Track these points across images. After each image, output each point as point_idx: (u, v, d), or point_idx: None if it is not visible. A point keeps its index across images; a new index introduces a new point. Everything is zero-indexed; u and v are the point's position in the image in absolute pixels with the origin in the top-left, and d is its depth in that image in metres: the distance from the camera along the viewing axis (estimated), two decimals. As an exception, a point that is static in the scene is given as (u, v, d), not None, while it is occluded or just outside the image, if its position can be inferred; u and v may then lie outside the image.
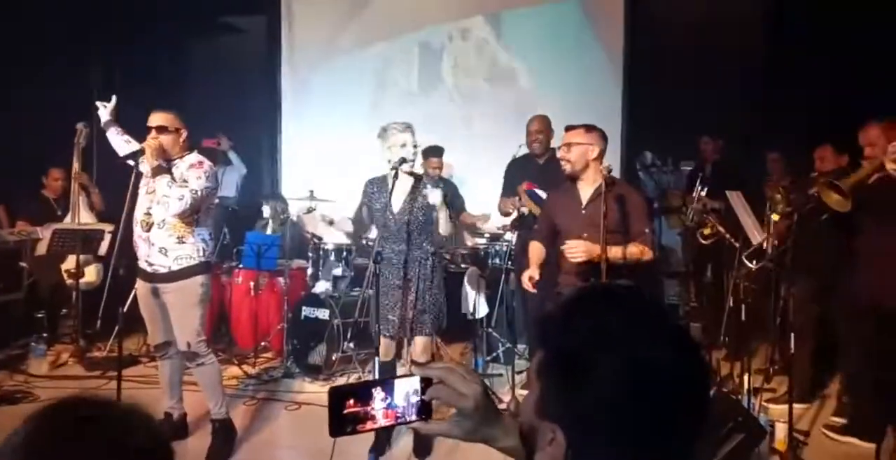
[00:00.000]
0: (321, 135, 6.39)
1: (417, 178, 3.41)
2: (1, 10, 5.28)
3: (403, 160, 3.29)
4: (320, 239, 5.20)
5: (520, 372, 4.60)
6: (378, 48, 6.31)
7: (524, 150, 4.77)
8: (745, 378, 3.62)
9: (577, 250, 2.95)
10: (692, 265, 5.57)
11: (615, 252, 2.98)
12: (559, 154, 3.28)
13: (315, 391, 4.38)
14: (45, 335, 4.92)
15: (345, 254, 5.12)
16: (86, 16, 5.89)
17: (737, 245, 3.91)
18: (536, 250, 3.37)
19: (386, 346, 3.44)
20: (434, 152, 5.20)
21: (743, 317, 3.88)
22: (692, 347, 0.81)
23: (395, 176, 3.27)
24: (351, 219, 3.59)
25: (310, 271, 5.17)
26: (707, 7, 5.51)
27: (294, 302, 4.89)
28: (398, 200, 3.38)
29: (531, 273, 3.22)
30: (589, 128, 3.20)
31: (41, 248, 4.65)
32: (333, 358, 4.54)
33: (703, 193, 4.66)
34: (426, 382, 1.09)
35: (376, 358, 3.48)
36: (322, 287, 4.99)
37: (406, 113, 6.09)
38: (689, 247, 5.39)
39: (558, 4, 5.90)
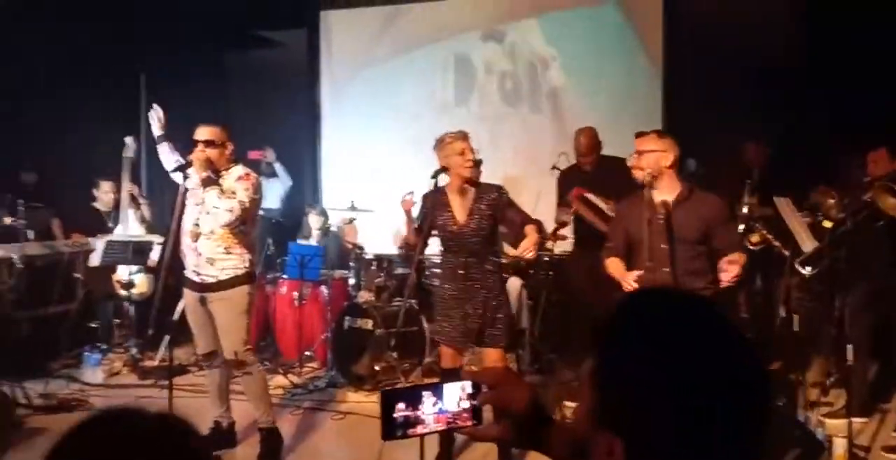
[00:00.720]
0: (360, 146, 6.48)
1: (480, 188, 3.32)
2: (50, 28, 5.50)
3: (442, 169, 3.27)
4: (362, 249, 5.26)
5: (563, 384, 4.54)
6: (414, 57, 6.36)
7: (564, 160, 4.74)
8: (801, 391, 3.50)
9: (735, 270, 2.77)
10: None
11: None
12: (630, 162, 3.13)
13: (360, 400, 4.40)
14: (98, 344, 5.07)
15: (386, 263, 5.16)
16: (131, 31, 6.11)
17: (786, 253, 3.80)
18: (618, 264, 3.11)
19: (450, 357, 3.34)
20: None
21: (796, 328, 3.75)
22: (753, 355, 0.79)
23: (436, 185, 3.26)
24: (414, 229, 3.42)
25: (352, 281, 5.22)
26: (750, 7, 5.38)
27: (337, 312, 4.93)
28: (462, 211, 3.28)
29: (634, 275, 2.97)
30: (661, 133, 3.09)
31: (94, 260, 4.81)
32: (377, 367, 4.56)
33: (752, 200, 4.53)
34: (477, 387, 1.09)
35: (419, 367, 3.46)
36: (364, 297, 5.03)
37: (444, 122, 6.17)
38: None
39: (595, 8, 5.85)
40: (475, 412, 1.10)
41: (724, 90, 5.14)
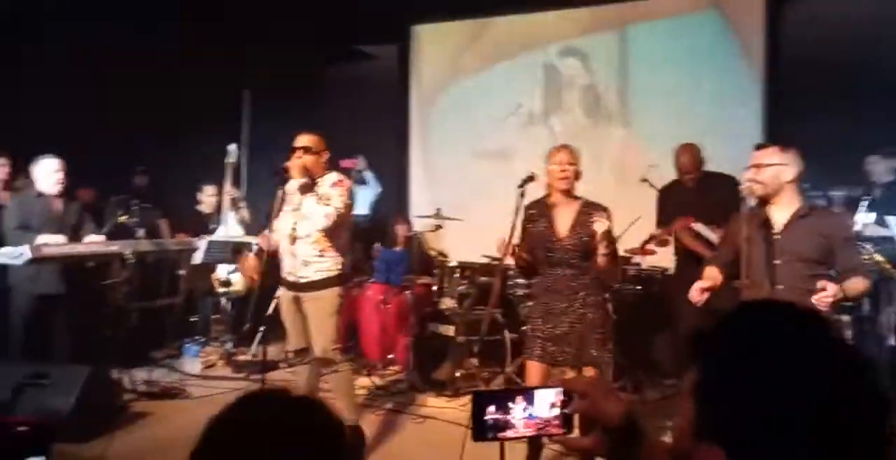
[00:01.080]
0: (447, 156, 6.58)
1: (585, 203, 3.24)
2: (162, 44, 5.92)
3: (530, 178, 3.26)
4: (446, 256, 5.33)
5: (649, 403, 4.42)
6: (499, 69, 6.40)
7: (653, 173, 4.63)
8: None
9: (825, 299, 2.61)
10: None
11: (842, 287, 2.67)
12: (746, 175, 2.97)
13: (440, 406, 4.45)
14: (197, 338, 5.38)
15: (469, 271, 5.20)
16: (236, 47, 6.47)
17: (896, 276, 3.55)
18: (711, 273, 3.03)
19: (537, 374, 3.22)
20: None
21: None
22: (863, 371, 0.77)
23: (522, 195, 3.25)
24: (515, 246, 3.40)
25: (435, 288, 5.30)
26: (860, 8, 5.07)
27: (420, 317, 5.02)
28: (564, 224, 3.21)
29: (702, 284, 2.91)
30: (784, 146, 2.92)
31: (197, 258, 5.11)
32: (457, 374, 4.60)
33: (870, 219, 4.23)
34: (568, 396, 1.10)
35: (501, 376, 3.46)
36: (447, 303, 5.09)
37: (529, 133, 6.18)
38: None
39: (692, 15, 5.67)
40: (565, 420, 1.10)
41: (832, 102, 4.85)
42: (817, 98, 4.94)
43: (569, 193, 3.23)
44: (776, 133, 5.25)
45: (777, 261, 2.82)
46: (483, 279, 5.22)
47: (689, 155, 4.31)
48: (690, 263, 4.03)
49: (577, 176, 3.22)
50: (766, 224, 2.90)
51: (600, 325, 3.17)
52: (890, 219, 3.64)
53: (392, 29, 6.75)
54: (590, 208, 3.20)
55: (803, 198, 2.95)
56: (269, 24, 6.37)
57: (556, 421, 1.10)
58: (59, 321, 4.42)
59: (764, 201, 2.93)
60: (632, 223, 4.20)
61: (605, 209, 3.21)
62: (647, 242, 4.29)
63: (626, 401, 1.05)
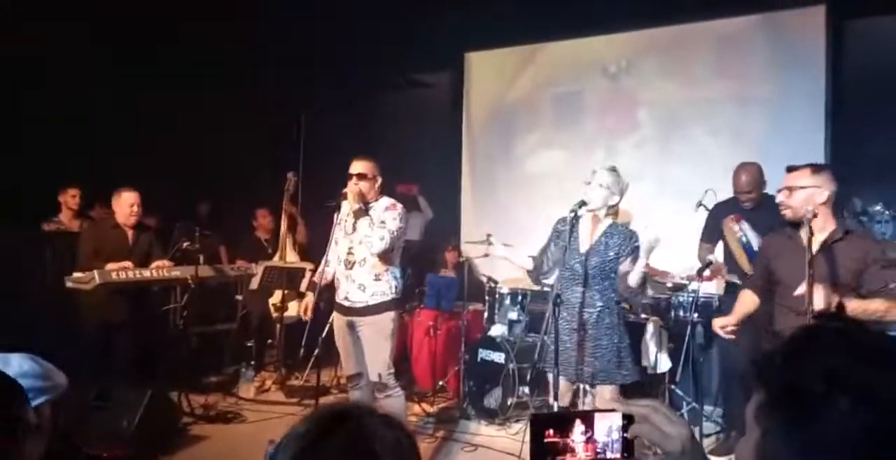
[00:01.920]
0: (499, 182, 6.61)
1: (613, 225, 3.30)
2: (219, 74, 6.18)
3: (583, 203, 3.28)
4: (496, 282, 5.31)
5: (707, 436, 4.27)
6: (551, 93, 6.42)
7: (710, 197, 4.52)
8: None
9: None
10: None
11: (854, 304, 2.61)
12: (778, 198, 2.93)
13: (490, 434, 4.40)
14: (252, 362, 5.48)
15: (520, 298, 5.16)
16: (294, 76, 6.70)
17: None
18: (747, 300, 3.06)
19: (564, 389, 3.29)
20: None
21: None
22: None
23: (574, 217, 3.25)
24: (533, 257, 3.54)
25: (486, 314, 5.28)
26: None
27: (471, 344, 5.00)
28: (585, 241, 3.30)
29: (727, 321, 2.97)
30: (816, 168, 2.86)
31: (254, 283, 5.24)
32: (509, 402, 4.54)
33: None
34: (628, 419, 1.08)
35: (555, 403, 3.41)
36: (498, 330, 5.05)
37: (582, 157, 6.14)
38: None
39: (746, 33, 5.55)
40: (626, 445, 1.09)
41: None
42: (882, 117, 4.77)
43: (595, 213, 3.29)
44: (839, 154, 5.09)
45: (807, 286, 2.71)
46: (535, 305, 5.17)
47: (749, 174, 4.15)
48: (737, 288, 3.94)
49: (607, 199, 3.25)
50: (799, 246, 2.81)
51: (618, 344, 3.22)
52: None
53: (446, 56, 6.88)
54: (617, 231, 3.28)
55: (838, 221, 2.89)
56: (326, 51, 6.59)
57: (617, 446, 1.08)
58: (123, 344, 4.57)
59: (797, 224, 2.87)
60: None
61: (631, 235, 3.26)
62: (703, 268, 4.18)
63: (687, 425, 1.03)
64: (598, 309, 3.25)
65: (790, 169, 2.95)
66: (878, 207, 4.21)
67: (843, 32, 5.19)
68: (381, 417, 0.97)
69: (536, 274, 3.53)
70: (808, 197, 2.81)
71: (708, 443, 4.13)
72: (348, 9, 6.14)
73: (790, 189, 2.86)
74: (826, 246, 2.79)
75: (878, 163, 4.59)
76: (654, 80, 5.94)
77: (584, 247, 3.30)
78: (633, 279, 3.16)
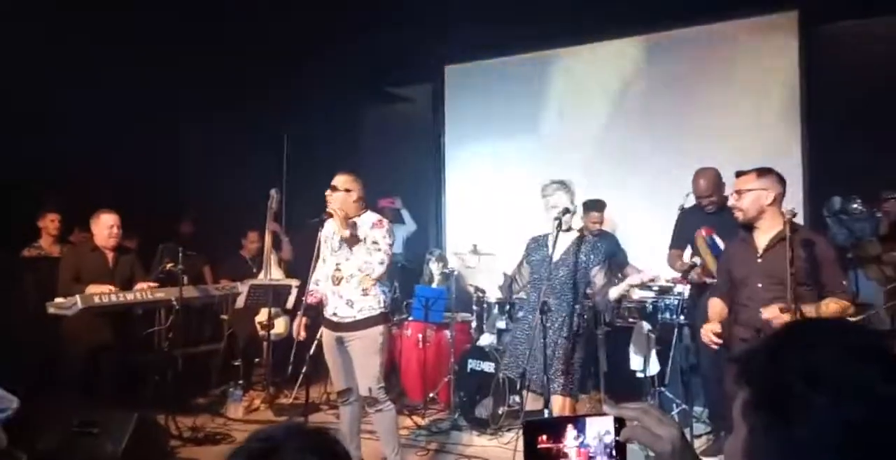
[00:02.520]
0: (483, 193, 6.64)
1: (579, 236, 3.41)
2: (200, 95, 6.16)
3: (567, 210, 3.34)
4: (483, 292, 5.32)
5: (698, 437, 4.29)
6: (529, 106, 6.48)
7: (691, 200, 4.59)
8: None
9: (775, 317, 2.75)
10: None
11: (809, 311, 2.75)
12: (729, 202, 3.16)
13: (483, 444, 4.39)
14: (240, 382, 5.42)
15: (508, 307, 5.17)
16: (275, 93, 6.70)
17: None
18: (717, 307, 3.21)
19: (531, 399, 3.37)
20: (594, 206, 5.17)
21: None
22: None
23: (558, 230, 3.30)
24: (508, 275, 3.63)
25: (474, 324, 5.28)
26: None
27: (460, 354, 4.99)
28: (558, 254, 3.37)
29: (712, 327, 3.04)
30: (762, 171, 3.05)
31: (240, 302, 5.20)
32: (500, 411, 4.54)
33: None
34: (620, 423, 1.09)
35: (546, 410, 3.41)
36: (486, 340, 5.06)
37: (562, 167, 6.19)
38: (891, 302, 4.76)
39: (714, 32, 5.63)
40: (618, 448, 1.10)
41: (873, 119, 4.76)
42: (856, 119, 4.86)
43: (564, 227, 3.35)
44: (815, 156, 5.18)
45: (759, 285, 2.91)
46: (521, 314, 5.16)
47: (707, 179, 4.28)
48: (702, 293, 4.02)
49: (568, 210, 3.34)
50: (751, 247, 3.03)
51: (574, 354, 3.28)
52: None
53: (425, 69, 6.93)
54: (587, 239, 3.40)
55: (786, 221, 2.96)
56: (306, 67, 6.60)
57: (609, 449, 1.09)
58: (107, 368, 4.51)
59: (749, 226, 3.06)
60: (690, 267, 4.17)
61: (597, 240, 3.44)
62: (689, 271, 4.23)
63: (679, 427, 1.04)
64: (562, 318, 3.31)
65: (738, 174, 3.14)
66: (855, 205, 4.31)
67: (816, 37, 5.30)
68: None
69: (508, 291, 3.67)
70: (755, 199, 2.99)
71: (699, 444, 4.15)
72: (327, 23, 6.17)
73: (739, 192, 3.04)
74: (773, 245, 2.94)
75: (852, 163, 4.67)
76: (632, 87, 6.03)
77: (555, 256, 3.38)
78: (613, 294, 3.29)
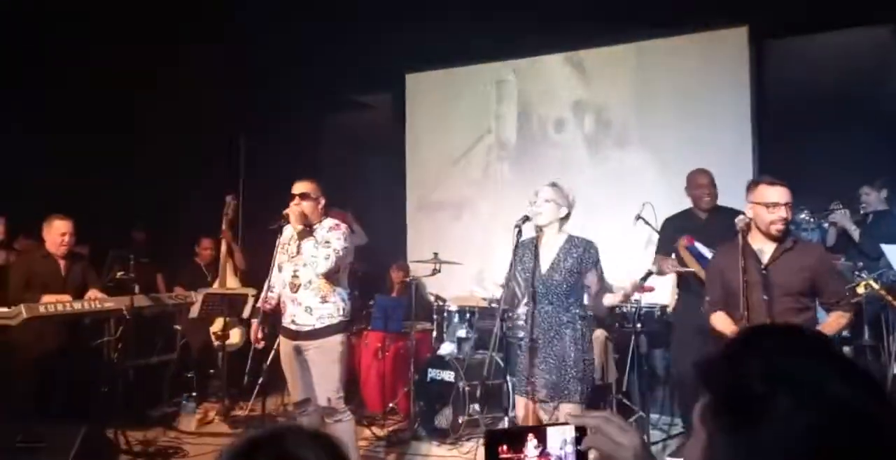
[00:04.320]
0: (443, 200, 6.65)
1: (569, 239, 3.33)
2: (155, 98, 6.04)
3: (527, 218, 3.31)
4: (444, 301, 5.31)
5: (654, 443, 4.35)
6: (491, 114, 6.52)
7: (648, 210, 4.66)
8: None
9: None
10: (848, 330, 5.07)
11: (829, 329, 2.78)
12: (781, 214, 2.91)
13: (442, 455, 4.36)
14: (194, 394, 5.28)
15: (468, 315, 5.17)
16: (231, 98, 6.60)
17: (896, 304, 3.55)
18: (724, 319, 3.03)
19: (527, 410, 3.27)
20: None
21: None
22: (874, 384, 0.76)
23: (518, 233, 3.27)
24: (502, 286, 3.53)
25: (434, 333, 5.26)
26: (848, 38, 5.20)
27: (420, 364, 4.96)
28: (546, 261, 3.30)
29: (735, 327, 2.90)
30: (784, 183, 2.93)
31: (194, 312, 5.06)
32: (460, 421, 4.52)
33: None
34: (581, 431, 1.09)
35: (506, 419, 3.41)
36: (447, 349, 5.04)
37: (522, 174, 6.25)
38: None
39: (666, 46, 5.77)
40: (579, 457, 1.09)
41: (820, 132, 4.93)
42: (805, 132, 5.02)
43: (548, 229, 3.31)
44: (766, 168, 5.31)
45: (765, 297, 2.83)
46: (483, 322, 5.18)
47: (705, 176, 4.28)
48: (691, 298, 4.02)
49: (556, 212, 3.29)
50: (753, 258, 2.92)
51: (581, 361, 3.21)
52: (887, 248, 3.68)
53: (387, 77, 6.91)
54: (574, 245, 3.29)
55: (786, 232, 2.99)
56: (264, 73, 6.52)
57: (571, 459, 1.09)
58: (53, 381, 4.35)
59: (780, 239, 2.91)
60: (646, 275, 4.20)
61: (587, 245, 3.30)
62: (644, 279, 4.28)
63: (640, 434, 1.04)
64: (561, 326, 3.24)
65: (772, 182, 2.94)
66: (803, 216, 4.43)
67: (765, 52, 5.47)
68: (309, 436, 0.97)
69: (511, 303, 3.47)
70: (789, 210, 2.90)
71: (655, 450, 4.21)
72: (286, 30, 6.11)
73: (788, 205, 2.88)
74: (778, 257, 2.88)
75: (802, 175, 4.84)
76: (587, 97, 6.13)
77: (545, 266, 3.29)
78: (608, 301, 3.24)
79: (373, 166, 7.03)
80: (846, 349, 4.99)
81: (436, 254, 5.34)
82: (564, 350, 3.20)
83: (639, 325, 4.61)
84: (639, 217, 4.70)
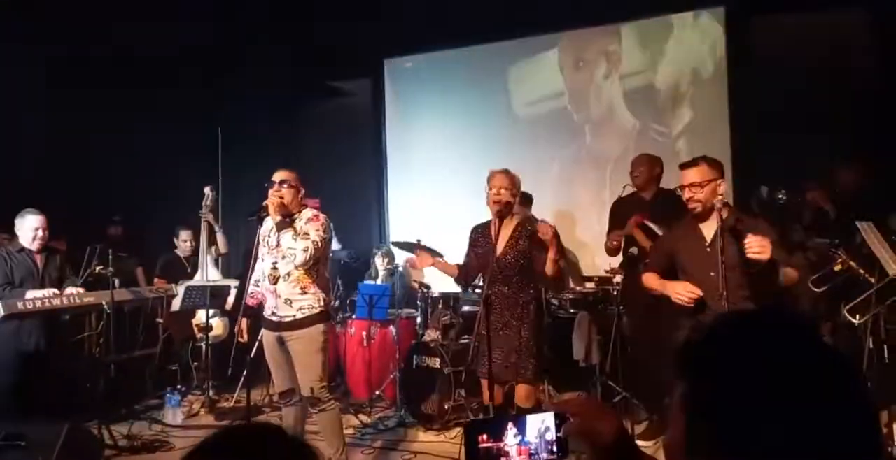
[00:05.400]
0: (425, 187, 6.62)
1: (522, 221, 3.47)
2: (129, 87, 5.93)
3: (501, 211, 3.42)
4: (428, 287, 5.31)
5: (639, 423, 4.40)
6: (470, 99, 6.49)
7: (630, 191, 4.69)
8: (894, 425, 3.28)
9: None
10: (821, 306, 5.15)
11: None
12: (687, 194, 3.05)
13: (429, 440, 4.38)
14: (178, 387, 5.25)
15: (452, 301, 5.18)
16: (208, 85, 6.50)
17: (871, 280, 3.61)
18: (656, 278, 3.14)
19: (489, 392, 3.39)
20: (524, 200, 5.23)
21: (886, 360, 3.55)
22: (854, 376, 0.77)
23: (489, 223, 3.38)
24: (459, 266, 3.67)
25: (419, 320, 5.27)
26: (826, 19, 5.22)
27: (405, 351, 4.97)
28: (501, 243, 3.45)
29: (685, 286, 2.94)
30: (711, 162, 3.03)
31: (175, 304, 5.02)
32: (446, 406, 4.54)
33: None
34: (560, 418, 1.09)
35: (489, 405, 3.44)
36: (431, 335, 5.05)
37: (502, 161, 6.24)
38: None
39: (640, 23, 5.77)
40: (560, 444, 1.10)
41: (798, 110, 4.96)
42: (782, 119, 5.05)
43: (498, 214, 3.42)
44: (743, 152, 5.36)
45: (712, 273, 2.90)
46: (467, 308, 5.20)
47: (645, 164, 4.44)
48: (635, 272, 4.11)
49: (512, 199, 3.43)
50: (699, 236, 3.04)
51: (533, 341, 3.37)
52: (861, 225, 3.73)
53: (365, 63, 6.84)
54: (526, 225, 3.47)
55: (730, 209, 3.07)
56: (241, 60, 6.42)
57: (550, 446, 1.09)
58: (35, 377, 4.30)
59: (699, 216, 3.06)
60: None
61: (532, 223, 3.50)
62: (623, 262, 4.33)
63: (618, 418, 1.05)
64: (521, 307, 3.39)
65: (686, 165, 3.10)
66: (780, 195, 4.52)
67: (741, 33, 5.45)
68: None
69: (464, 281, 3.72)
70: (712, 189, 2.99)
71: (639, 429, 4.26)
72: (261, 16, 6.01)
73: (699, 185, 3.00)
74: (722, 233, 2.95)
75: (778, 154, 4.89)
76: (565, 80, 6.11)
77: (500, 248, 3.45)
78: (548, 268, 3.34)
79: (354, 152, 6.97)
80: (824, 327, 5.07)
81: (418, 240, 5.32)
82: (520, 330, 3.35)
83: (622, 307, 4.64)
84: (620, 198, 4.74)
